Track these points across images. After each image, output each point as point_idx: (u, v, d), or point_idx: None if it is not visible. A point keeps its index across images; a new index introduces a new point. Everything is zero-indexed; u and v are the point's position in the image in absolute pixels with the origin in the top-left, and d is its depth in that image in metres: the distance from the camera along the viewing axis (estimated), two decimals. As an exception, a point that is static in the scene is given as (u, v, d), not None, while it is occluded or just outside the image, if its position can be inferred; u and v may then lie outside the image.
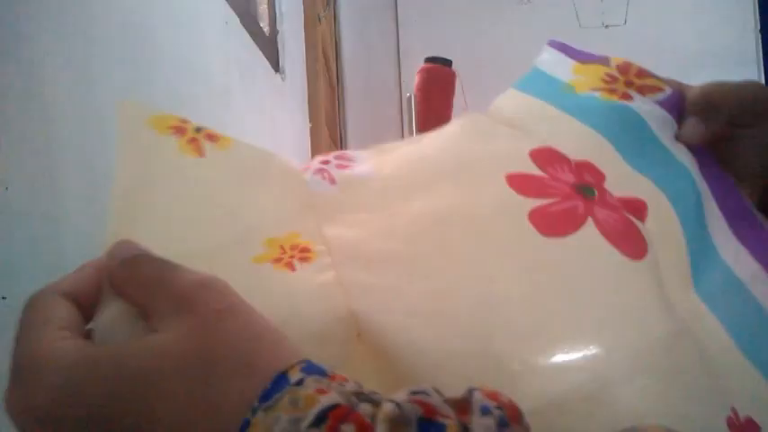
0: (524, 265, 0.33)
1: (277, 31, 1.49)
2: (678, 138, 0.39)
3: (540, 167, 0.36)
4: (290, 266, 0.33)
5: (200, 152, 0.37)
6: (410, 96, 2.01)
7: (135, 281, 0.28)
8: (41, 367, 0.25)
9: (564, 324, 0.31)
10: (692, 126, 0.39)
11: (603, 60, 0.42)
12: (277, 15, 1.51)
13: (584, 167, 0.37)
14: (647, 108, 0.39)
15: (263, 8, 1.47)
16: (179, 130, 0.37)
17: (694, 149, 0.39)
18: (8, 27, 0.45)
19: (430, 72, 2.00)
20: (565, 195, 0.35)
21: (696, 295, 0.35)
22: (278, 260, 0.33)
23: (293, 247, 0.34)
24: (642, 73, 0.41)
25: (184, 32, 0.83)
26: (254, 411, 0.22)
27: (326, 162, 0.40)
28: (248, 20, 1.20)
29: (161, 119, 0.37)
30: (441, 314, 0.32)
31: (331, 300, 0.32)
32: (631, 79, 0.41)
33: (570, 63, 0.43)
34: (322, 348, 0.28)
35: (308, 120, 1.74)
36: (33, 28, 0.47)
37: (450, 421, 0.22)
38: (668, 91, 0.40)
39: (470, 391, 0.24)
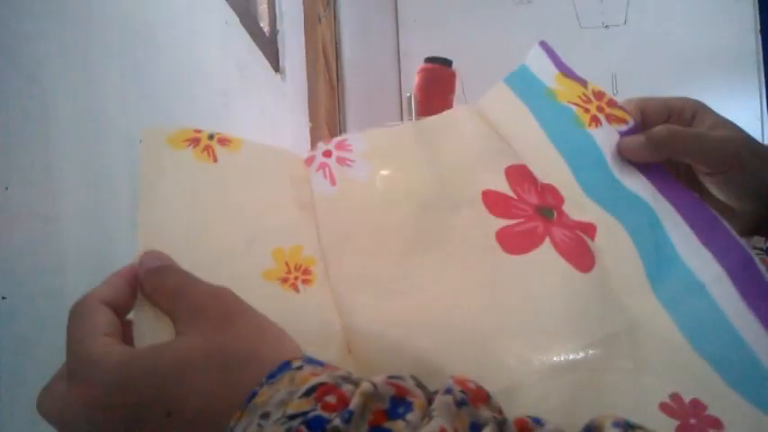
0: (489, 279, 0.39)
1: (277, 31, 1.49)
2: (619, 147, 0.44)
3: (512, 187, 0.42)
4: (295, 288, 0.39)
5: (213, 158, 0.41)
6: (410, 96, 2.01)
7: (159, 290, 0.34)
8: (96, 368, 0.30)
9: (519, 326, 0.37)
10: (635, 142, 0.44)
11: (582, 82, 0.46)
12: (277, 15, 1.51)
13: (547, 190, 0.43)
14: (608, 138, 0.44)
15: (263, 8, 1.47)
16: (193, 141, 0.41)
17: (653, 173, 0.44)
18: (8, 27, 0.45)
19: (430, 72, 2.00)
20: (528, 217, 0.41)
21: (656, 299, 0.39)
22: (284, 280, 0.39)
23: (297, 268, 0.39)
24: (612, 103, 0.45)
25: (184, 32, 0.83)
26: (261, 385, 0.28)
27: (329, 154, 0.45)
28: (248, 20, 1.20)
29: (178, 134, 0.41)
30: (417, 323, 0.37)
31: (327, 320, 0.38)
32: (603, 106, 0.45)
33: (554, 72, 0.47)
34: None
35: (308, 120, 1.74)
36: (33, 28, 0.47)
37: (418, 400, 0.27)
38: (631, 123, 0.45)
39: (447, 379, 0.28)
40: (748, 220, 0.45)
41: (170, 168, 0.40)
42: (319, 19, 1.86)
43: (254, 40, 1.21)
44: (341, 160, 0.44)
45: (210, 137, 0.42)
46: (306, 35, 1.77)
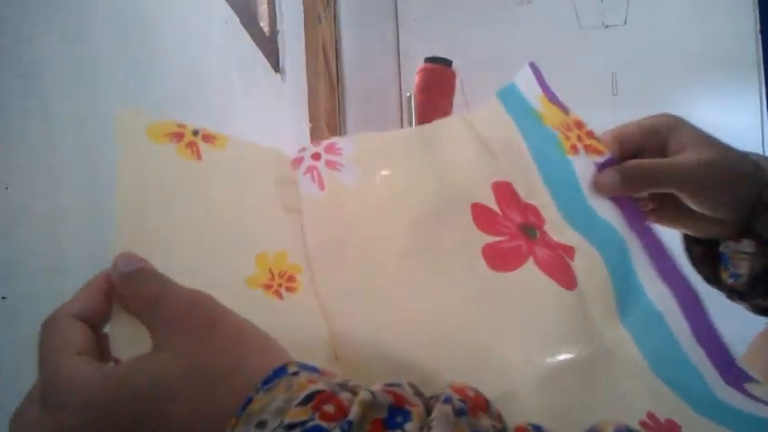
0: (473, 295, 0.39)
1: (277, 31, 1.49)
2: (594, 183, 0.45)
3: (498, 202, 0.42)
4: (279, 295, 0.37)
5: (197, 155, 0.39)
6: (410, 96, 2.01)
7: (134, 298, 0.32)
8: (68, 392, 0.28)
9: (508, 338, 0.37)
10: (609, 179, 0.45)
11: (564, 108, 0.47)
12: (277, 15, 1.51)
13: (530, 210, 0.43)
14: (584, 167, 0.45)
15: (263, 8, 1.46)
16: (177, 136, 0.39)
17: (622, 202, 0.45)
18: (8, 27, 0.45)
19: (430, 72, 2.00)
20: (512, 235, 0.41)
21: (623, 326, 0.41)
22: (268, 287, 0.38)
23: (281, 275, 0.38)
24: (590, 134, 0.46)
25: (184, 32, 0.83)
26: (256, 391, 0.27)
27: (317, 157, 0.44)
28: (248, 20, 1.20)
29: (159, 127, 0.39)
30: (406, 332, 0.37)
31: (312, 327, 0.37)
32: (582, 135, 0.46)
33: (539, 93, 0.47)
34: None
35: (308, 120, 1.74)
36: (33, 28, 0.47)
37: (416, 409, 0.26)
38: (607, 156, 0.45)
39: (445, 387, 0.28)
40: (732, 227, 0.46)
41: (151, 165, 0.37)
42: (319, 19, 1.86)
43: (254, 40, 1.21)
44: (330, 164, 0.43)
45: (195, 132, 0.40)
46: (306, 35, 1.77)
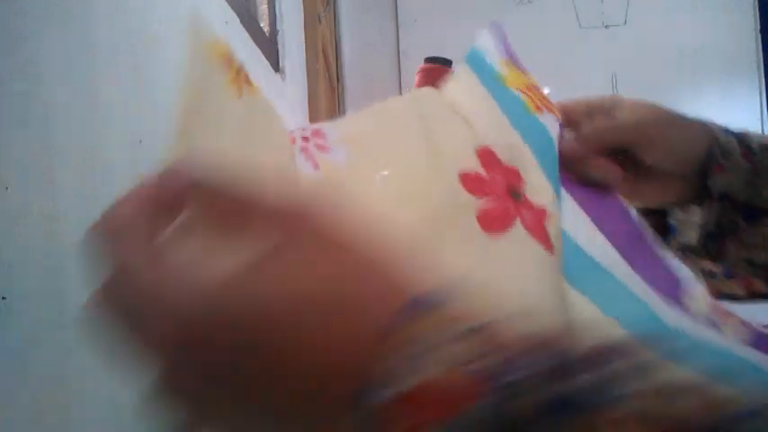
0: (478, 262, 0.40)
1: (277, 31, 1.49)
2: (560, 151, 0.47)
3: (484, 167, 0.43)
4: None
5: (239, 92, 0.41)
6: (410, 96, 2.01)
7: (220, 204, 0.26)
8: (177, 295, 0.24)
9: (509, 306, 0.37)
10: (571, 146, 0.48)
11: (524, 72, 0.49)
12: (277, 15, 1.51)
13: (511, 173, 0.44)
14: (552, 126, 0.47)
15: (263, 8, 1.46)
16: (227, 63, 0.41)
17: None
18: (8, 27, 0.45)
19: (430, 72, 1.99)
20: (501, 197, 0.42)
21: (567, 283, 0.42)
22: None
23: None
24: (546, 99, 0.49)
25: (185, 32, 0.83)
26: (397, 324, 0.23)
27: (307, 139, 0.45)
28: (248, 20, 1.20)
29: (215, 47, 0.41)
30: None
31: None
32: (541, 98, 0.48)
33: (499, 57, 0.49)
34: None
35: (307, 120, 1.74)
36: (33, 28, 0.47)
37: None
38: (560, 119, 0.49)
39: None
40: (688, 186, 0.49)
41: (205, 84, 0.39)
42: (319, 19, 1.86)
43: (254, 40, 1.21)
44: (318, 147, 0.44)
45: (239, 70, 0.41)
46: (306, 35, 1.76)
